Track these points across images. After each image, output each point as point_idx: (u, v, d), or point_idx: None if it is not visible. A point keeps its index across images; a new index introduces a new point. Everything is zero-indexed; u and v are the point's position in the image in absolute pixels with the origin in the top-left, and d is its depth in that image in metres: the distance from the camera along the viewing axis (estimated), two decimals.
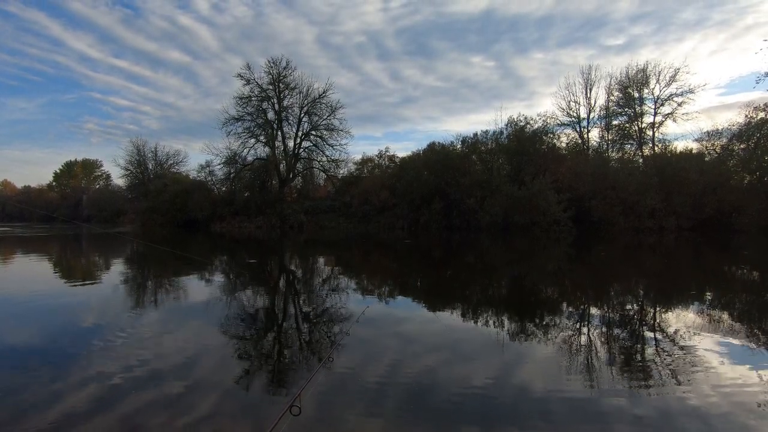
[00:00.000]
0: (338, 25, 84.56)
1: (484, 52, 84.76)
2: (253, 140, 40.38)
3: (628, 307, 6.66)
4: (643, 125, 33.82)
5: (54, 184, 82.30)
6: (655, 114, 33.55)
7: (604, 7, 75.34)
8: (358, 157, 44.69)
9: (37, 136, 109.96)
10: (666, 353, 4.17)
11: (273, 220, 36.42)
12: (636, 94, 33.85)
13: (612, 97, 34.77)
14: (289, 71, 40.11)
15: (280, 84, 40.09)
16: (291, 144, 41.63)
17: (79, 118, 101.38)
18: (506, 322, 5.59)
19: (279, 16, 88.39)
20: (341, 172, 42.42)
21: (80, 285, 8.79)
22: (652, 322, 5.58)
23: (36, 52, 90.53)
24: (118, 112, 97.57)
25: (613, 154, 34.40)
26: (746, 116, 28.97)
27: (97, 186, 77.41)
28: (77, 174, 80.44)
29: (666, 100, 33.07)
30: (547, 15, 79.59)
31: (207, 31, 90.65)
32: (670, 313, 6.18)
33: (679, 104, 32.61)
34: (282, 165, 41.40)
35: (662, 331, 5.05)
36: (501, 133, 33.20)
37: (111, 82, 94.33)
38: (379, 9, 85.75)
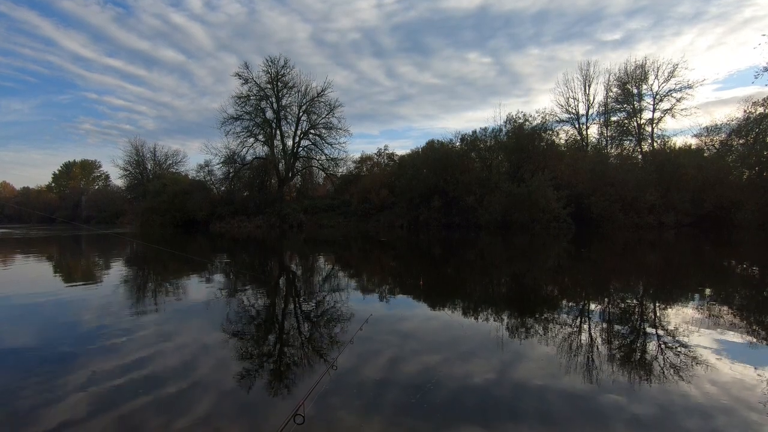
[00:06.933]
0: (332, 22, 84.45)
1: (480, 48, 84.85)
2: (251, 139, 40.42)
3: (627, 303, 6.66)
4: (642, 121, 33.88)
5: (53, 185, 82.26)
6: (654, 110, 33.59)
7: (599, 1, 75.36)
8: (356, 155, 44.80)
9: (32, 137, 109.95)
10: (665, 348, 4.17)
11: (272, 220, 36.40)
12: (635, 90, 33.88)
13: (611, 94, 34.84)
14: (288, 70, 40.13)
15: (279, 83, 40.04)
16: (290, 143, 41.69)
17: (74, 119, 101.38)
18: (510, 320, 5.59)
19: (272, 14, 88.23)
20: (340, 170, 42.51)
21: (79, 286, 8.77)
22: (651, 317, 5.59)
23: (29, 53, 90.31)
24: (113, 112, 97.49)
25: (612, 151, 34.50)
26: (745, 111, 29.06)
27: (96, 187, 77.39)
28: (76, 175, 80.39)
29: (664, 95, 33.13)
30: (542, 10, 79.72)
31: (200, 29, 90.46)
32: (668, 308, 6.18)
33: (678, 100, 32.68)
34: (281, 164, 41.40)
35: (660, 326, 5.04)
36: (500, 130, 33.26)
37: (105, 81, 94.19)
38: (373, 5, 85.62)
